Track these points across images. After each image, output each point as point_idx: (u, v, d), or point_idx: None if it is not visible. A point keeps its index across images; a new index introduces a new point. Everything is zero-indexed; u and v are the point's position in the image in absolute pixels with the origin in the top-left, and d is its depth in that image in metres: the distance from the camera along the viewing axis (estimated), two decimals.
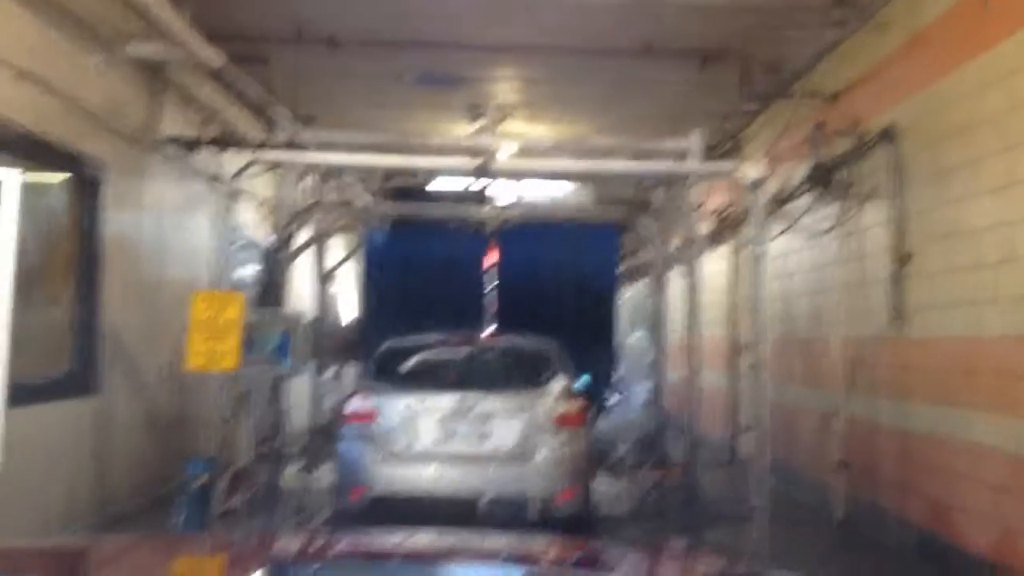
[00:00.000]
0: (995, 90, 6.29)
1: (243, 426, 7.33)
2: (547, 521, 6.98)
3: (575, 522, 7.22)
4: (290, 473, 8.88)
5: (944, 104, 7.00)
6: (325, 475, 9.06)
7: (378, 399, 7.42)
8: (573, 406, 7.50)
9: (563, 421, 7.34)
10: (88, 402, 7.40)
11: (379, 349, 8.22)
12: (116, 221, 7.74)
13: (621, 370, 16.64)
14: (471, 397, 7.35)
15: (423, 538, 3.15)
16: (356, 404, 7.48)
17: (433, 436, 7.28)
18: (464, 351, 8.35)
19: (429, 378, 7.93)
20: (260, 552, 3.09)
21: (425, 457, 7.25)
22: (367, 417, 7.34)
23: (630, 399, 19.96)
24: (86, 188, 7.42)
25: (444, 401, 7.35)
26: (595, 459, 8.30)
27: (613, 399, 11.63)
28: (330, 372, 11.51)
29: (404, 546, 3.02)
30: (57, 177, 7.23)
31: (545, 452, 7.22)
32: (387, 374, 7.83)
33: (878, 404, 7.99)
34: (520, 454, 7.22)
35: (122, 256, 7.90)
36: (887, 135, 7.80)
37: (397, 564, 2.80)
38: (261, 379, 7.85)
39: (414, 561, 2.84)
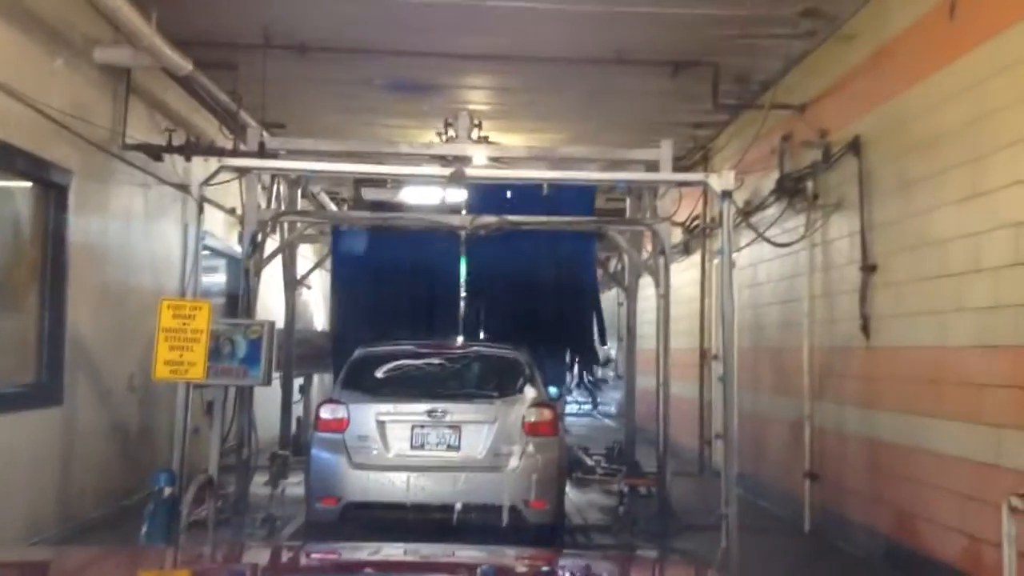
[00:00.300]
0: (959, 102, 6.38)
1: (211, 436, 7.24)
2: (520, 529, 7.04)
3: (548, 530, 7.30)
4: (258, 483, 8.80)
5: (909, 116, 7.09)
6: (293, 486, 8.99)
7: (349, 407, 7.43)
8: (545, 415, 7.52)
9: (534, 429, 7.37)
10: (52, 413, 7.29)
11: (351, 358, 8.19)
12: (82, 228, 7.63)
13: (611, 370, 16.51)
14: (443, 406, 7.37)
15: (393, 550, 3.12)
16: (327, 412, 7.47)
17: (405, 444, 7.30)
18: (436, 360, 8.35)
19: (401, 387, 7.91)
20: (227, 564, 3.06)
21: (397, 465, 7.24)
22: (338, 425, 7.34)
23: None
24: (51, 195, 7.32)
25: (416, 409, 7.37)
26: (568, 467, 8.34)
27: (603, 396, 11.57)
28: (299, 381, 11.42)
29: (373, 559, 3.00)
30: (22, 183, 7.12)
31: (516, 460, 7.24)
32: (359, 383, 7.83)
33: (846, 413, 8.06)
34: (492, 462, 7.24)
35: (88, 264, 7.79)
36: (853, 146, 7.88)
37: None
38: (229, 388, 7.76)
39: (384, 574, 2.81)
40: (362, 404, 7.43)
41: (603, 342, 11.32)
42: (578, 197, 9.98)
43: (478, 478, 7.18)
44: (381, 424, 7.32)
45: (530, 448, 7.27)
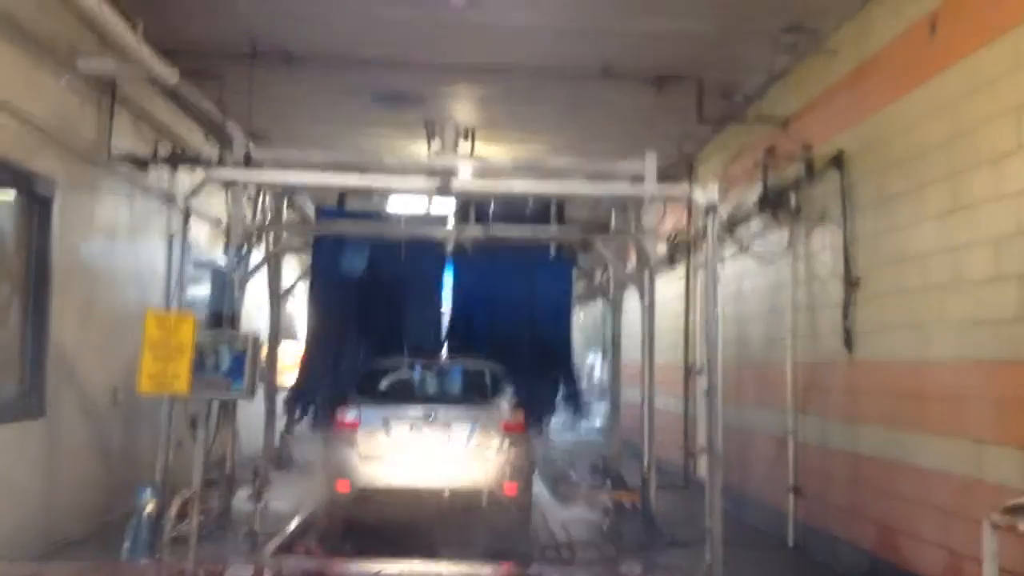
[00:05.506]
0: (940, 118, 6.44)
1: (194, 450, 7.20)
2: (496, 505, 8.42)
3: (518, 507, 8.68)
4: (242, 498, 8.76)
5: (891, 131, 7.14)
6: (277, 500, 8.96)
7: (360, 410, 8.82)
8: (517, 416, 8.94)
9: (508, 428, 8.76)
10: (35, 426, 7.23)
11: (361, 372, 9.62)
12: (66, 239, 7.59)
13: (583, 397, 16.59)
14: (435, 409, 8.79)
15: (378, 567, 3.11)
16: (343, 414, 8.84)
17: (404, 439, 8.62)
18: (428, 371, 9.99)
19: (402, 393, 9.43)
20: None
21: (398, 456, 8.56)
22: (351, 425, 8.71)
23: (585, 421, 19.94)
24: (35, 206, 7.27)
25: (414, 412, 8.78)
26: (535, 458, 9.75)
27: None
28: (284, 394, 11.36)
29: (354, 574, 2.99)
30: (5, 195, 7.08)
31: (494, 452, 8.63)
32: (368, 390, 9.26)
33: (829, 427, 8.09)
34: (474, 454, 8.61)
35: (72, 275, 7.74)
36: (836, 161, 7.93)
37: None
38: (213, 401, 7.73)
39: None
40: (370, 407, 8.86)
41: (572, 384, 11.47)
42: (557, 271, 10.88)
43: (464, 466, 8.55)
44: (386, 423, 8.67)
45: (505, 443, 8.67)
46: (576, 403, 11.26)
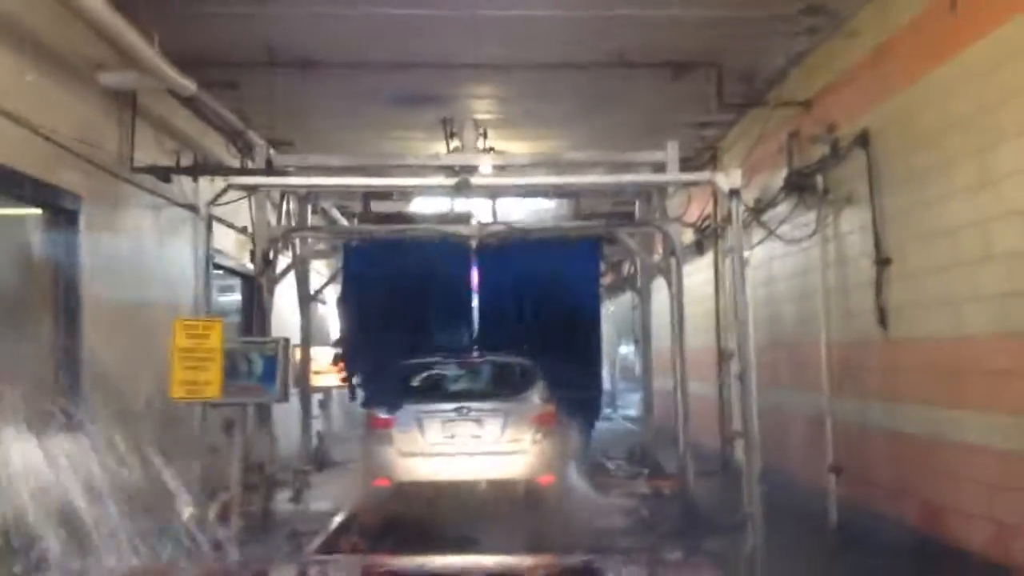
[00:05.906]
0: (964, 93, 6.36)
1: (232, 454, 7.25)
2: (531, 498, 8.49)
3: (554, 499, 8.66)
4: (281, 500, 8.83)
5: (916, 108, 7.06)
6: (316, 500, 9.04)
7: (395, 408, 8.92)
8: (548, 409, 9.02)
9: (541, 421, 8.88)
10: (72, 436, 7.29)
11: (393, 370, 9.66)
12: (93, 252, 7.65)
13: (607, 383, 16.60)
14: (468, 404, 8.95)
15: (418, 562, 3.12)
16: (378, 413, 9.04)
17: (439, 435, 8.79)
18: (460, 368, 10.18)
19: (435, 390, 9.65)
20: None
21: (433, 452, 8.73)
22: (387, 423, 8.87)
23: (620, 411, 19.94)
24: (62, 220, 7.34)
25: (447, 408, 8.95)
26: (569, 450, 9.66)
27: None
28: (319, 397, 11.44)
29: (395, 571, 2.99)
30: (32, 210, 7.15)
31: (527, 445, 8.77)
32: (401, 388, 9.40)
33: (867, 406, 8.01)
34: (507, 447, 8.74)
35: (101, 287, 7.79)
36: (861, 140, 7.85)
37: None
38: (248, 406, 7.79)
39: None
40: (405, 405, 8.98)
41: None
42: (583, 253, 10.75)
43: (497, 460, 8.66)
44: (420, 420, 8.82)
45: (538, 436, 8.78)
46: (593, 410, 11.08)
